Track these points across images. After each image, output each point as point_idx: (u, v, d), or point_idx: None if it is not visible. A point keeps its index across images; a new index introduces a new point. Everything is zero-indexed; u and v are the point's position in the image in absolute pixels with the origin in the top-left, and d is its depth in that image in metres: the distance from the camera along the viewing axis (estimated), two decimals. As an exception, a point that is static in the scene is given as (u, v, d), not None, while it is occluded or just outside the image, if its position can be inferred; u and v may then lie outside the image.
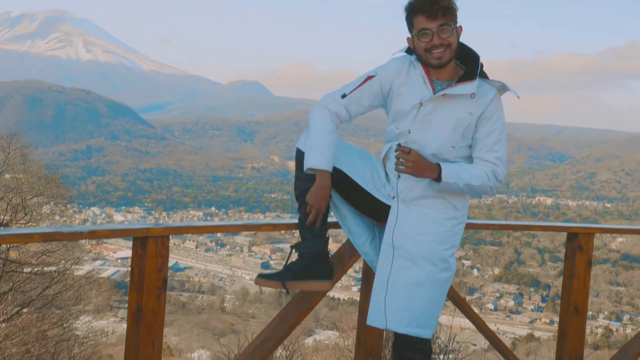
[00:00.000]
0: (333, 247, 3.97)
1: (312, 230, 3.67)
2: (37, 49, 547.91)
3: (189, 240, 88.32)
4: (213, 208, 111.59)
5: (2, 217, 18.56)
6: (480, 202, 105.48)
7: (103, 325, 28.85)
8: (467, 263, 72.14)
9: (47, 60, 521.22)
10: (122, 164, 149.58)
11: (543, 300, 64.59)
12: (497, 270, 72.59)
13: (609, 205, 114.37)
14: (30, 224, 19.45)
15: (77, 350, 19.87)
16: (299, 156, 3.69)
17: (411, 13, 3.45)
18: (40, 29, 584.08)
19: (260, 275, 3.81)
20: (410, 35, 3.52)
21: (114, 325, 33.00)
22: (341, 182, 3.67)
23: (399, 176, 3.55)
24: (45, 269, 19.33)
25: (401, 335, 3.57)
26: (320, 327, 34.05)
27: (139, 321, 3.52)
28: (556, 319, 57.91)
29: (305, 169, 3.57)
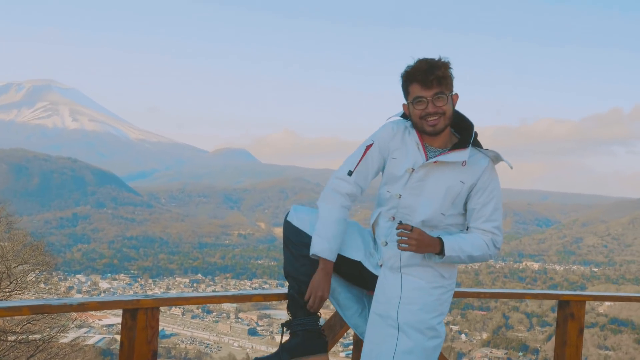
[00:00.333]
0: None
1: (304, 307, 3.64)
2: (24, 117, 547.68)
3: (175, 307, 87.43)
4: (199, 275, 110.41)
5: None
6: (468, 267, 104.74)
7: (88, 394, 28.42)
8: (455, 328, 71.63)
9: (33, 128, 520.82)
10: (108, 232, 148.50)
11: (532, 364, 64.12)
12: (485, 335, 71.89)
13: (596, 269, 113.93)
14: (15, 292, 19.30)
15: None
16: (289, 231, 3.71)
17: (407, 81, 3.48)
18: (26, 98, 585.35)
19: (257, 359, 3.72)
20: (405, 102, 3.55)
21: (99, 394, 32.52)
22: None
23: (386, 243, 3.56)
24: (30, 337, 19.17)
25: None
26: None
27: None
28: (545, 383, 57.67)
29: (310, 253, 3.53)
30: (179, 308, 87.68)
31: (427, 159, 3.48)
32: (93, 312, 53.01)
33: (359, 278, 3.73)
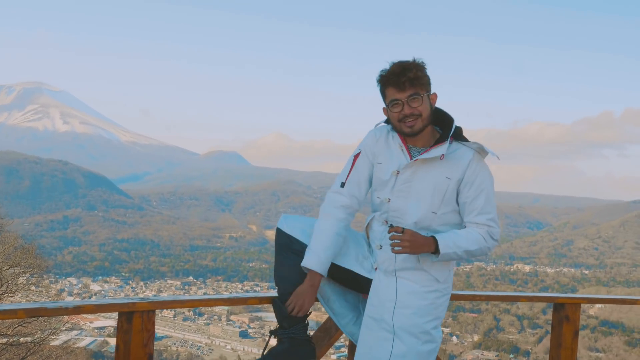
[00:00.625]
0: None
1: (290, 319, 3.62)
2: (14, 120, 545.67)
3: (167, 309, 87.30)
4: (191, 277, 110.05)
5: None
6: (459, 270, 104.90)
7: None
8: (447, 330, 71.47)
9: (24, 131, 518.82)
10: (99, 234, 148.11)
11: (523, 366, 64.22)
12: (476, 337, 71.78)
13: (586, 272, 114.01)
14: (6, 294, 19.28)
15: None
16: (281, 238, 3.70)
17: (382, 85, 3.50)
18: (17, 100, 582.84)
19: None
20: (385, 106, 3.57)
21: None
22: None
23: (380, 247, 3.55)
24: (22, 339, 19.14)
25: None
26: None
27: None
28: (536, 385, 57.77)
29: (302, 264, 3.54)
30: (171, 310, 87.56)
31: (411, 158, 3.50)
32: (85, 315, 53.01)
33: (354, 282, 3.72)
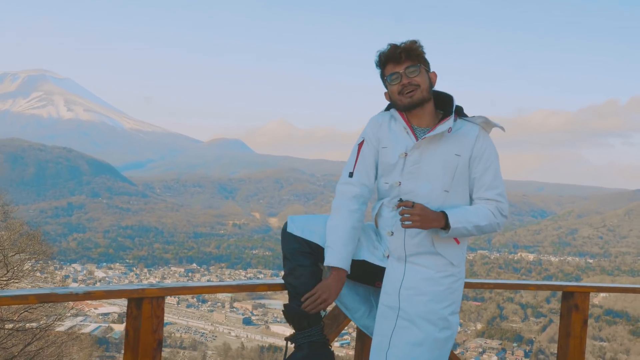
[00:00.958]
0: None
1: (308, 318, 3.53)
2: (19, 107, 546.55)
3: (170, 296, 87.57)
4: (194, 264, 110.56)
5: (-17, 274, 18.53)
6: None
7: (85, 382, 28.55)
8: (450, 318, 71.74)
9: (28, 118, 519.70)
10: (103, 221, 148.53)
11: (526, 355, 64.07)
12: (479, 326, 71.92)
13: (591, 261, 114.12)
14: (11, 280, 19.32)
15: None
16: (287, 242, 3.61)
17: (381, 65, 3.52)
18: (21, 88, 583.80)
19: None
20: (386, 90, 3.58)
21: (95, 382, 32.58)
22: None
23: (392, 233, 3.50)
24: (27, 325, 19.19)
25: None
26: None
27: None
28: (539, 373, 57.87)
29: (325, 264, 3.48)
30: (175, 297, 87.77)
31: (417, 139, 3.46)
32: (90, 301, 53.20)
33: (365, 274, 3.66)
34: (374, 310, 3.75)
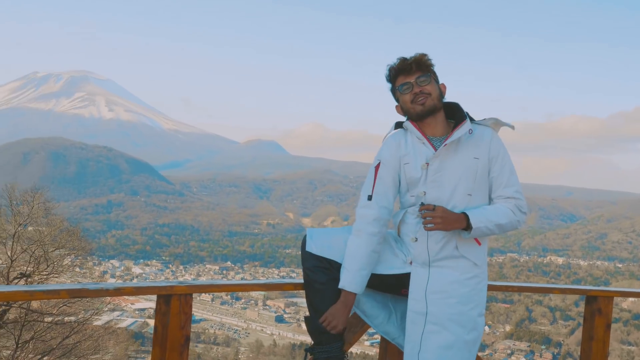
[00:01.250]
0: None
1: (328, 334, 3.55)
2: (62, 107, 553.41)
3: (205, 294, 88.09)
4: (229, 262, 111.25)
5: (25, 268, 18.65)
6: (492, 261, 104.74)
7: (120, 374, 28.69)
8: (479, 320, 71.58)
9: (70, 118, 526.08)
10: (141, 219, 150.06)
11: (554, 358, 63.78)
12: (508, 328, 71.85)
13: (620, 265, 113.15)
14: (52, 275, 19.47)
15: (97, 398, 19.92)
16: (307, 261, 3.61)
17: (392, 79, 3.56)
18: (64, 88, 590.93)
19: None
20: (397, 103, 3.62)
21: (131, 376, 32.77)
22: None
23: (416, 239, 3.50)
24: (66, 319, 19.33)
25: None
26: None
27: None
28: (567, 376, 57.38)
29: (339, 286, 3.50)
30: (209, 294, 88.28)
31: (435, 150, 3.46)
32: (127, 297, 53.57)
33: (384, 284, 3.66)
34: (392, 316, 3.77)
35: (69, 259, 21.92)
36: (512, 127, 3.62)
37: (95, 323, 22.50)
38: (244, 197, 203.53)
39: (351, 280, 3.46)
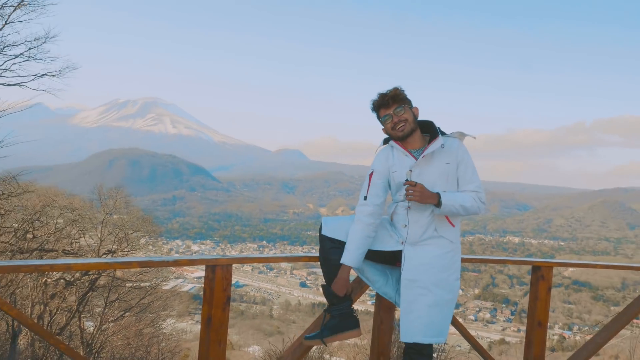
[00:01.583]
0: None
1: (338, 297, 3.62)
2: (137, 125, 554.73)
3: (247, 265, 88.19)
4: (264, 242, 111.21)
5: (111, 246, 18.80)
6: (464, 240, 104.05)
7: (183, 326, 28.70)
8: (455, 285, 71.45)
9: (144, 134, 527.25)
10: (198, 209, 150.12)
11: (512, 313, 63.57)
12: (477, 291, 71.59)
13: (562, 243, 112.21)
14: (131, 252, 19.56)
15: (164, 344, 19.90)
16: (323, 242, 3.68)
17: (376, 110, 3.58)
18: (139, 111, 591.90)
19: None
20: (382, 127, 3.63)
21: (191, 326, 32.73)
22: None
23: (405, 226, 3.56)
24: (142, 284, 19.46)
25: (409, 343, 3.57)
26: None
27: (209, 326, 3.59)
28: (523, 327, 57.13)
29: (340, 261, 3.55)
30: (249, 266, 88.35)
31: (416, 159, 3.52)
32: (186, 267, 53.70)
33: (384, 257, 3.72)
34: (389, 280, 3.80)
35: (144, 240, 21.99)
36: (474, 137, 3.65)
37: (164, 287, 22.58)
38: (275, 193, 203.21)
39: (349, 257, 3.53)
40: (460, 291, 71.14)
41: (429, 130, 3.62)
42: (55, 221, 17.38)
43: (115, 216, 20.87)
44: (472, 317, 62.35)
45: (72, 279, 16.44)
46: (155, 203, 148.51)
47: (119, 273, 18.28)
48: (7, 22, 10.99)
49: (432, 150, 3.47)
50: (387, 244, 3.63)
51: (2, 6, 10.84)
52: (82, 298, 16.51)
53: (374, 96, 3.59)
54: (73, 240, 18.18)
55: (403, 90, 3.56)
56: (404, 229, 3.58)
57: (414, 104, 3.62)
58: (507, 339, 45.90)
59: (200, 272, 71.77)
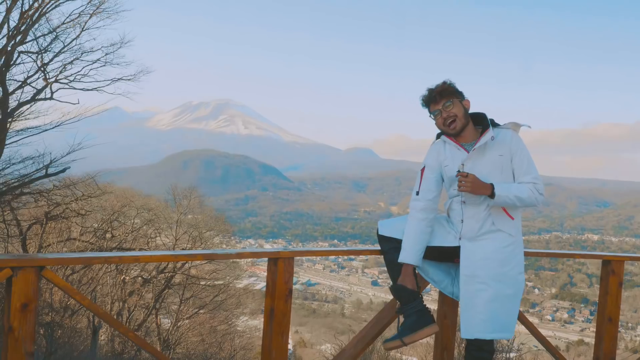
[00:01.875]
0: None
1: (409, 293, 3.53)
2: (210, 127, 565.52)
3: (318, 264, 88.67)
4: (336, 240, 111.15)
5: (186, 245, 19.28)
6: (540, 238, 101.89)
7: (256, 323, 29.12)
8: (530, 284, 69.85)
9: (217, 135, 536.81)
10: (270, 208, 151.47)
11: (591, 314, 61.67)
12: (554, 290, 69.96)
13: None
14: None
15: (238, 341, 20.30)
16: (382, 243, 3.70)
17: (426, 106, 3.54)
18: (212, 112, 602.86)
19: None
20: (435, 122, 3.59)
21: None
22: None
23: (462, 221, 3.52)
24: (216, 282, 19.84)
25: (471, 339, 3.50)
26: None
27: (272, 319, 3.61)
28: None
29: (399, 260, 3.54)
30: (321, 265, 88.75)
31: (468, 152, 3.48)
32: (259, 266, 54.46)
33: (443, 254, 3.66)
34: (455, 280, 3.75)
35: (218, 239, 22.44)
36: (529, 127, 3.60)
37: (238, 286, 22.97)
38: (346, 191, 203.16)
39: (406, 255, 3.50)
40: (536, 290, 69.63)
41: (482, 123, 3.57)
42: (132, 221, 17.96)
43: (189, 216, 21.38)
44: (549, 317, 60.92)
45: (149, 277, 16.98)
46: (229, 203, 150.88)
47: (193, 271, 18.74)
48: (84, 28, 11.52)
49: (483, 142, 3.43)
50: (445, 240, 3.60)
51: (79, 14, 11.37)
52: (158, 295, 17.02)
53: (424, 92, 3.56)
54: (149, 240, 18.75)
55: (452, 84, 3.53)
56: (460, 224, 3.54)
57: (469, 99, 3.58)
58: (587, 339, 44.45)
59: (272, 270, 72.56)
